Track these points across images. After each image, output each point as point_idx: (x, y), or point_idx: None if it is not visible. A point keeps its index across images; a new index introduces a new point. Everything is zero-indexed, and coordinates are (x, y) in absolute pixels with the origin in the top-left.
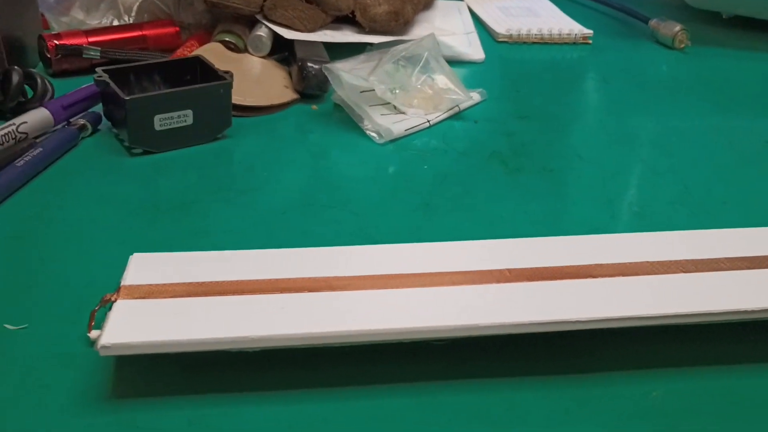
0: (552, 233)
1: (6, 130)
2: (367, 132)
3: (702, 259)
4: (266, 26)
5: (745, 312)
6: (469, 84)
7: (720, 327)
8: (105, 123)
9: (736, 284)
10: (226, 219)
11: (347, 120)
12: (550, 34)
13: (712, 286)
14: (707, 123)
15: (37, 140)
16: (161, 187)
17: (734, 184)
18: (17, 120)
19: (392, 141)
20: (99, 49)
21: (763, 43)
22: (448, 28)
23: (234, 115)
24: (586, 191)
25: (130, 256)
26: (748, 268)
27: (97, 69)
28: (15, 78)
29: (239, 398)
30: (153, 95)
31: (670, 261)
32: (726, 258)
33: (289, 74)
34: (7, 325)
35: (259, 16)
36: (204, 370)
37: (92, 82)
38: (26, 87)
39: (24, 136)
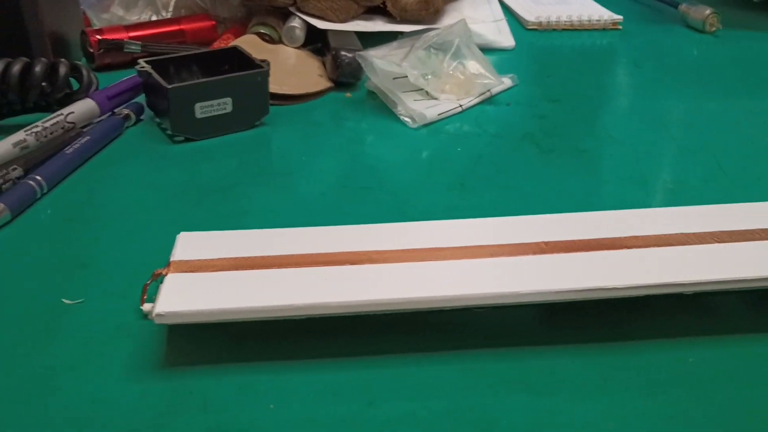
0: (586, 210)
1: (55, 120)
2: (401, 117)
3: (736, 230)
4: (299, 18)
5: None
6: (501, 70)
7: (752, 295)
8: (147, 113)
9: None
10: (266, 201)
11: (381, 106)
12: (580, 21)
13: (746, 255)
14: (740, 105)
15: (84, 129)
16: (203, 172)
17: (767, 162)
18: (65, 110)
19: (425, 125)
20: (139, 43)
21: None
22: (476, 16)
23: (271, 104)
24: (619, 170)
25: (177, 235)
26: None
27: (139, 60)
28: (62, 70)
29: (285, 365)
30: (193, 84)
31: (704, 232)
32: (761, 229)
33: (323, 63)
34: (64, 300)
35: (292, 8)
36: (251, 339)
37: (134, 75)
38: (72, 79)
39: (72, 125)
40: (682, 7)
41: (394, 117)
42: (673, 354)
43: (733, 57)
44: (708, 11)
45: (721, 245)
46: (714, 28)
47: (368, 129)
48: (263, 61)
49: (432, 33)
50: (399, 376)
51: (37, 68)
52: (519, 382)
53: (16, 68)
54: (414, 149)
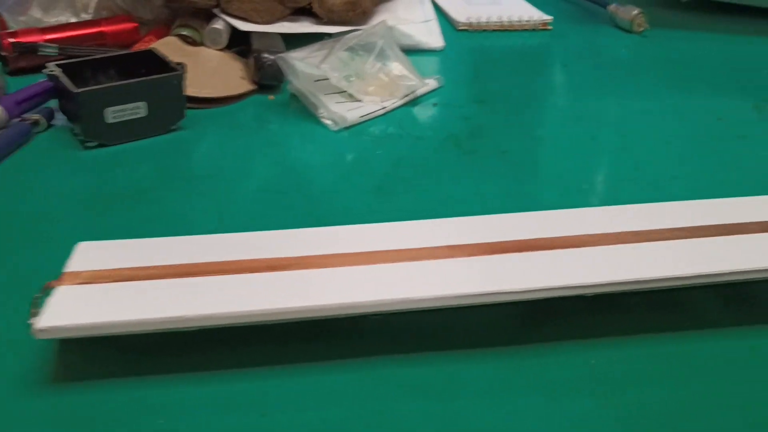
0: (502, 211)
1: None
2: (323, 120)
3: (644, 230)
4: (223, 19)
5: (681, 278)
6: (429, 71)
7: (655, 294)
8: (61, 118)
9: (675, 253)
10: (179, 207)
11: (303, 109)
12: (510, 21)
13: (652, 256)
14: (663, 103)
15: None
16: (115, 179)
17: (684, 160)
18: None
19: (347, 128)
20: (56, 46)
21: (719, 24)
22: (409, 18)
23: (191, 107)
24: (538, 170)
25: (75, 245)
26: (687, 237)
27: (47, 64)
28: None
29: (178, 378)
30: (104, 87)
31: (612, 233)
32: (668, 229)
33: (246, 66)
34: None
35: (215, 10)
36: (144, 352)
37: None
38: None
39: None
40: (611, 7)
41: (316, 120)
42: (577, 356)
43: (659, 56)
44: (635, 11)
45: (628, 246)
46: (641, 28)
47: (290, 132)
48: (179, 64)
49: (352, 34)
50: (294, 385)
51: None
52: (417, 388)
53: None
54: (334, 152)
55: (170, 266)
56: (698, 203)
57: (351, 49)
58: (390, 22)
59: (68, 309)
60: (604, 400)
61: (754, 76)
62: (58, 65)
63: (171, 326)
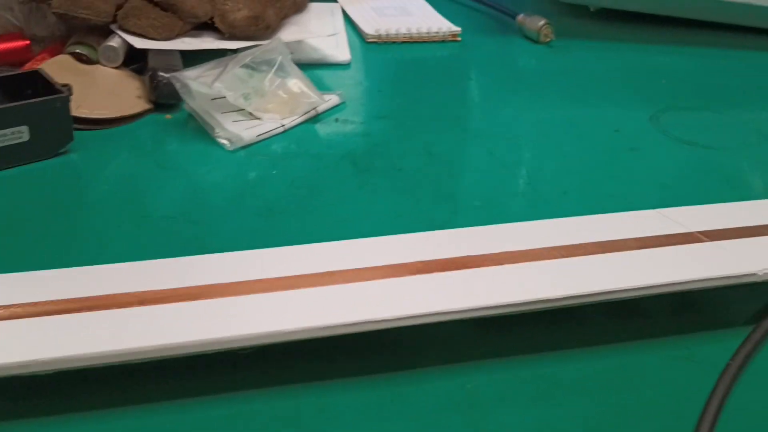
0: (396, 231)
1: None
2: (218, 140)
3: (525, 250)
4: (119, 36)
5: (556, 300)
6: (334, 86)
7: (529, 317)
8: None
9: (549, 273)
10: (65, 236)
11: (200, 129)
12: (419, 33)
13: (531, 276)
14: (562, 115)
15: None
16: None
17: (577, 174)
18: None
19: (244, 147)
20: None
21: (627, 33)
22: (316, 31)
23: (83, 128)
24: (432, 188)
25: None
26: (564, 256)
27: None
28: None
29: (84, 417)
30: None
31: (493, 254)
32: (548, 248)
33: (143, 84)
34: None
35: (113, 26)
36: (43, 389)
37: None
38: None
39: None
40: (519, 17)
41: (213, 140)
42: (451, 380)
43: (563, 67)
44: (542, 22)
45: (505, 267)
46: (548, 39)
47: (184, 153)
48: (65, 85)
49: (247, 51)
50: (212, 418)
51: None
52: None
53: None
54: (227, 173)
55: (60, 301)
56: (580, 219)
57: (248, 66)
58: (295, 36)
59: None
60: (474, 423)
61: (653, 87)
62: None
63: (63, 366)
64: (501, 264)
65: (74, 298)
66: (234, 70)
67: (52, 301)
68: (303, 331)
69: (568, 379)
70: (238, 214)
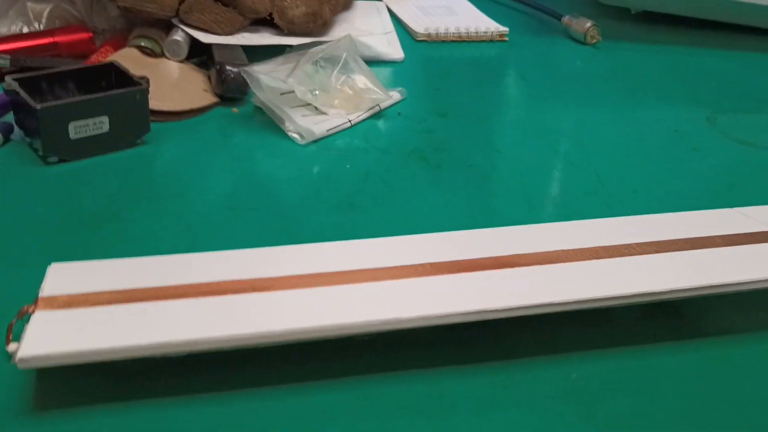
0: (473, 226)
1: None
2: (289, 133)
3: (614, 245)
4: (182, 30)
5: (653, 294)
6: (390, 83)
7: (630, 309)
8: (18, 132)
9: (645, 268)
10: (148, 226)
11: (268, 122)
12: (468, 32)
13: (623, 271)
14: (618, 115)
15: None
16: (80, 196)
17: (643, 173)
18: None
19: (314, 142)
20: (8, 57)
21: (669, 36)
22: (367, 29)
23: (153, 121)
24: (505, 184)
25: (48, 267)
26: (656, 252)
27: (6, 77)
28: None
29: (166, 402)
30: (66, 103)
31: (585, 248)
32: (636, 243)
33: (208, 78)
34: None
35: (174, 20)
36: (129, 377)
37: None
38: None
39: None
40: (565, 19)
41: (282, 133)
42: (557, 370)
43: (612, 68)
44: (589, 24)
45: (600, 261)
46: (595, 40)
47: (256, 146)
48: (142, 77)
49: (318, 48)
50: (287, 407)
51: None
52: (407, 407)
53: None
54: (302, 167)
55: (150, 289)
56: (663, 217)
57: (315, 62)
58: (350, 33)
59: (49, 336)
60: (587, 412)
61: (704, 88)
62: (15, 79)
63: (158, 352)
64: (596, 258)
65: (192, 284)
66: (305, 66)
67: (171, 287)
68: (418, 319)
69: (670, 370)
70: (321, 207)
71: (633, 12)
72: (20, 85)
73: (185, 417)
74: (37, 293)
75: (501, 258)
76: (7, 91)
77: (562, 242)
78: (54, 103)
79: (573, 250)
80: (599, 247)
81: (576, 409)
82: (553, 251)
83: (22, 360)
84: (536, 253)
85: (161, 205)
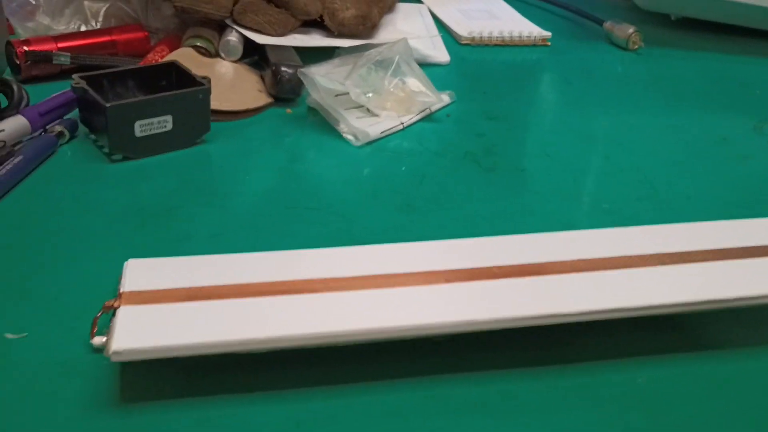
0: (529, 230)
1: None
2: (344, 135)
3: (678, 252)
4: (236, 31)
5: (716, 301)
6: (438, 86)
7: (698, 315)
8: (81, 129)
9: (707, 275)
10: (211, 223)
11: (322, 123)
12: (511, 37)
13: (690, 277)
14: (664, 121)
15: (15, 148)
16: (144, 193)
17: (695, 180)
18: None
19: (368, 143)
20: (69, 54)
21: (709, 43)
22: (411, 31)
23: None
24: (558, 189)
25: (125, 263)
26: (717, 259)
27: (73, 76)
28: None
29: (244, 398)
30: (134, 102)
31: (646, 255)
32: (697, 251)
33: (262, 78)
34: (7, 334)
35: (228, 21)
36: (206, 372)
37: (66, 89)
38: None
39: (1, 144)
40: (607, 24)
41: (336, 134)
42: (623, 374)
43: (654, 74)
44: (631, 30)
45: (662, 267)
46: (636, 46)
47: (311, 146)
48: (204, 77)
49: (374, 51)
50: (360, 405)
51: None
52: (478, 406)
53: None
54: (358, 168)
55: (226, 286)
56: (721, 224)
57: (369, 64)
58: (398, 36)
59: (138, 330)
60: (653, 417)
61: (748, 96)
62: (82, 77)
63: (245, 348)
64: (662, 264)
65: (265, 282)
66: (360, 69)
67: (246, 285)
68: (492, 321)
69: (739, 376)
70: (381, 208)
71: (673, 18)
72: (87, 83)
73: (262, 413)
74: (115, 287)
75: (564, 263)
76: (74, 89)
77: (626, 248)
78: (123, 101)
79: (638, 255)
80: (664, 253)
81: (642, 413)
82: (619, 257)
83: (115, 353)
84: (601, 259)
85: (222, 204)
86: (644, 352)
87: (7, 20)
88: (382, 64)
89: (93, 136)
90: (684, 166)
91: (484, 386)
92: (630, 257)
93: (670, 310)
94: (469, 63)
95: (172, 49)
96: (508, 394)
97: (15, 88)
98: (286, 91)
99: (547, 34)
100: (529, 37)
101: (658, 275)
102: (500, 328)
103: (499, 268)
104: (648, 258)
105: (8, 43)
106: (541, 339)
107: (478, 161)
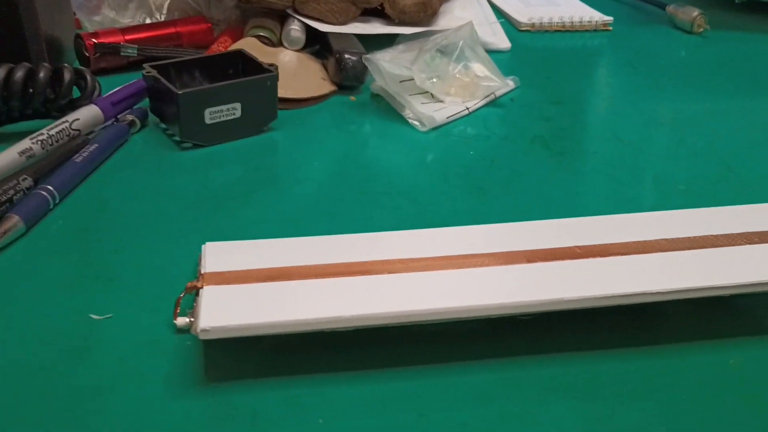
0: (604, 212)
1: (60, 128)
2: (410, 120)
3: (762, 231)
4: (298, 20)
5: None
6: (502, 72)
7: None
8: (150, 119)
9: None
10: (283, 208)
11: (386, 109)
12: (572, 22)
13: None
14: (735, 104)
15: (89, 137)
16: (215, 179)
17: None
18: (70, 117)
19: (434, 129)
20: (136, 47)
21: None
22: (470, 18)
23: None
24: (632, 172)
25: (203, 245)
26: None
27: (144, 65)
28: (67, 76)
29: (328, 377)
30: (204, 89)
31: (733, 234)
32: None
33: (324, 66)
34: (92, 315)
35: (290, 11)
36: (288, 351)
37: (133, 80)
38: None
39: (77, 133)
40: (670, 8)
41: (401, 120)
42: (713, 356)
43: (721, 58)
44: (696, 13)
45: (750, 247)
46: (701, 29)
47: (377, 133)
48: (271, 65)
49: (440, 35)
50: (444, 385)
51: (41, 74)
52: (565, 389)
53: (20, 74)
54: (426, 153)
55: (304, 267)
56: None
57: (434, 50)
58: (453, 23)
59: (222, 309)
60: (744, 399)
61: None
62: (153, 67)
63: (326, 326)
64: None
65: (344, 263)
66: (428, 53)
67: (323, 265)
68: (582, 300)
69: None
70: (452, 192)
71: (737, 1)
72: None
73: (347, 392)
74: (193, 269)
75: (645, 243)
76: (146, 78)
77: (710, 227)
78: (193, 89)
79: (724, 235)
80: (752, 232)
81: (733, 395)
82: (704, 236)
83: (203, 331)
84: (685, 238)
85: (293, 189)
86: (735, 334)
87: (74, 14)
88: (447, 49)
89: (163, 125)
90: (762, 147)
91: (571, 368)
92: (716, 236)
93: (764, 288)
94: (530, 49)
95: (234, 40)
96: (595, 376)
97: (89, 78)
98: (350, 79)
99: (609, 18)
100: (590, 22)
101: (748, 253)
102: (587, 307)
103: (581, 247)
104: (735, 237)
105: (77, 36)
106: (627, 320)
107: (548, 145)
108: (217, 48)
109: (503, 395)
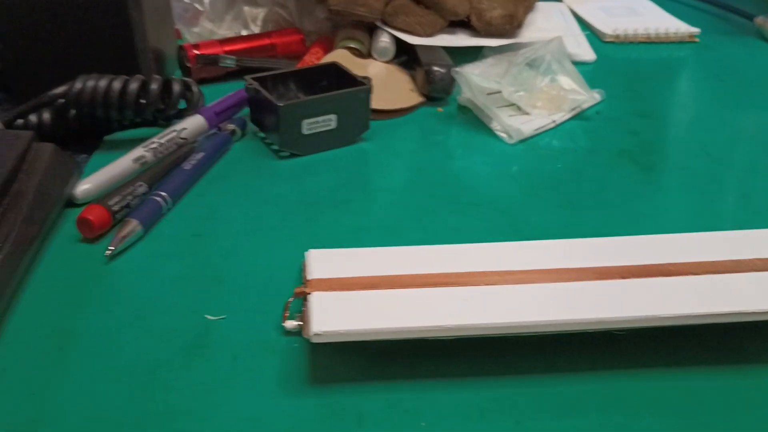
0: (696, 229)
1: (169, 136)
2: (497, 132)
3: None
4: (387, 32)
5: None
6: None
7: None
8: (249, 128)
9: None
10: (380, 216)
11: (473, 121)
12: (657, 34)
13: None
14: None
15: (195, 145)
16: (313, 188)
17: None
18: (178, 126)
19: (522, 141)
20: (234, 58)
21: None
22: (554, 29)
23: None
24: (724, 188)
25: (306, 253)
26: None
27: (246, 77)
28: (176, 88)
29: (429, 384)
30: (303, 101)
31: None
32: None
33: (412, 78)
34: (207, 316)
35: (379, 23)
36: (392, 357)
37: (230, 88)
38: None
39: (184, 141)
40: (758, 19)
41: (488, 132)
42: None
43: None
44: None
45: None
46: None
47: (465, 144)
48: (365, 77)
49: (529, 49)
50: (540, 395)
51: (154, 86)
52: (657, 404)
53: (134, 86)
54: (514, 165)
55: (407, 276)
56: None
57: (525, 63)
58: (538, 35)
59: (331, 315)
60: None
61: None
62: (254, 79)
63: (430, 335)
64: None
65: (444, 273)
66: (517, 66)
67: (425, 275)
68: (675, 318)
69: None
70: (541, 205)
71: None
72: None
73: (448, 398)
74: (298, 275)
75: (744, 261)
76: (248, 90)
77: None
78: (294, 101)
79: None
80: None
81: None
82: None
83: (316, 335)
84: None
85: (387, 198)
86: None
87: (175, 25)
88: (535, 63)
89: (261, 134)
90: None
91: (663, 382)
92: None
93: None
94: (615, 61)
95: (326, 50)
96: (688, 392)
97: (195, 89)
98: (438, 90)
99: (695, 30)
100: (676, 33)
101: None
102: (679, 324)
103: (673, 265)
104: None
105: (180, 48)
106: (720, 338)
107: (636, 159)
108: (310, 58)
109: (596, 407)
